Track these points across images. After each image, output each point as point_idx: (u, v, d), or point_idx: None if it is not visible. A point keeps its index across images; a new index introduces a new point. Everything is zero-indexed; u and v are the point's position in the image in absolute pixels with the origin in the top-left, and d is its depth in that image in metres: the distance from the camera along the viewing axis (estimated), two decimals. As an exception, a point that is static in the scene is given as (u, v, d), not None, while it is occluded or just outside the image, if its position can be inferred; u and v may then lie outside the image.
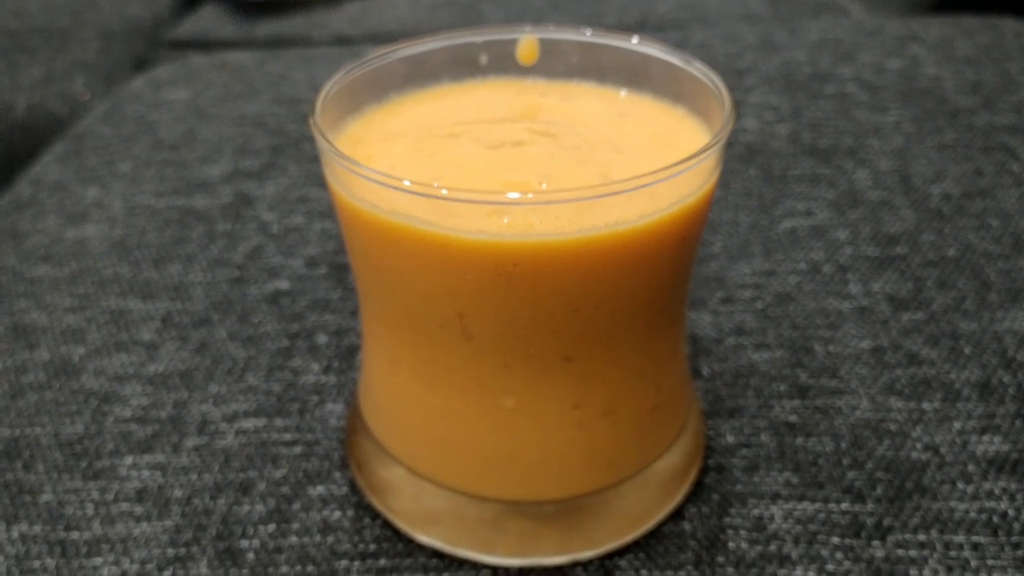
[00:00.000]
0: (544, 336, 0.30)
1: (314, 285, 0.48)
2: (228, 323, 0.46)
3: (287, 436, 0.39)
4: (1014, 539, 0.34)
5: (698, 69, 0.33)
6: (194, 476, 0.38)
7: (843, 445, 0.38)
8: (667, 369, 0.34)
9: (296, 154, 0.60)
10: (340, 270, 0.49)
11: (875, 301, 0.45)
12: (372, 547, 0.35)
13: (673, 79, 0.35)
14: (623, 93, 0.36)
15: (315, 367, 0.43)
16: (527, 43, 0.37)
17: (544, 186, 0.30)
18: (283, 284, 0.48)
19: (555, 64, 0.37)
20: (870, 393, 0.40)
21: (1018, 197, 0.51)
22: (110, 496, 0.37)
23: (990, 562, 0.33)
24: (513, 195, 0.27)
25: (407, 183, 0.27)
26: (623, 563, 0.34)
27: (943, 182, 0.53)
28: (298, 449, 0.39)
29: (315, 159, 0.59)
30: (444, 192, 0.27)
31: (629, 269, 0.29)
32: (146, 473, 0.38)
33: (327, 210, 0.54)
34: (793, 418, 0.39)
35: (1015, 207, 0.51)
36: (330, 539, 0.35)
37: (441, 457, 0.33)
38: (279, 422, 0.40)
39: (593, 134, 0.34)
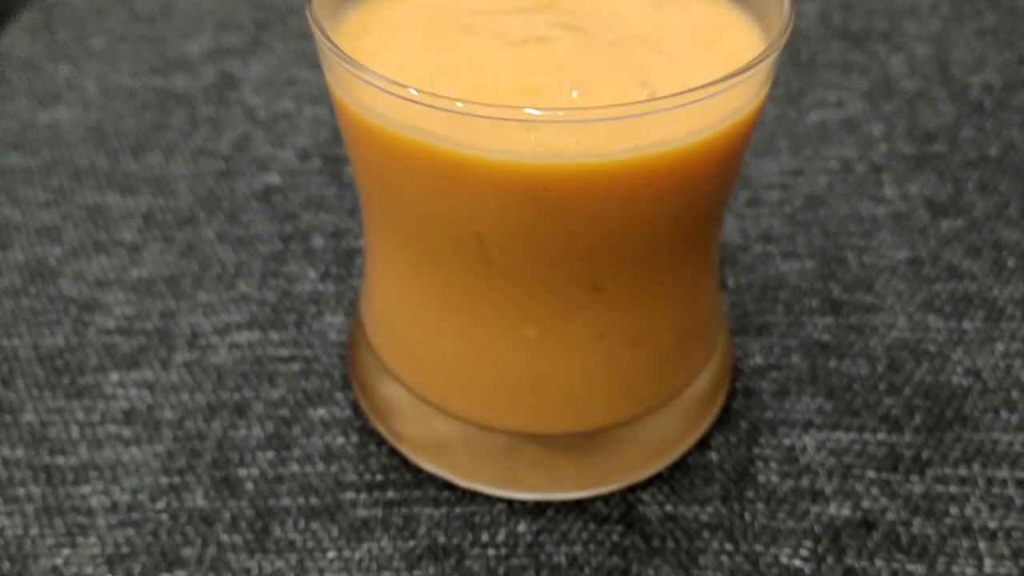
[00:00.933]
0: (572, 263, 0.27)
1: (307, 180, 0.44)
2: (215, 222, 0.42)
3: (284, 352, 0.37)
4: (1060, 474, 0.32)
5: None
6: (185, 396, 0.35)
7: (879, 368, 0.35)
8: (700, 293, 0.31)
9: (282, 30, 0.55)
10: (334, 163, 0.45)
11: (912, 206, 0.42)
12: (379, 477, 0.32)
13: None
14: (659, -21, 0.32)
15: (311, 273, 0.40)
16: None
17: (575, 94, 0.26)
18: (273, 178, 0.45)
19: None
20: (907, 310, 0.37)
21: (1066, 90, 0.48)
22: (96, 417, 0.34)
23: (1035, 499, 0.31)
24: (543, 111, 0.23)
25: (418, 93, 0.24)
26: (646, 496, 0.32)
27: (983, 71, 0.50)
28: (296, 366, 0.36)
29: (303, 35, 0.55)
30: (460, 105, 0.23)
31: (671, 191, 0.26)
32: (133, 392, 0.35)
33: (318, 94, 0.50)
34: (826, 337, 0.36)
35: (1062, 101, 0.47)
36: (333, 468, 0.33)
37: (452, 385, 0.31)
38: (275, 336, 0.37)
39: (626, 29, 0.30)
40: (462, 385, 0.31)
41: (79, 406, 0.35)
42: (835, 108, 0.48)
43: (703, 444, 0.33)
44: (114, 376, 0.36)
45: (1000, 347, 0.36)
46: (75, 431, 0.34)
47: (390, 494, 0.32)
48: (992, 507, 0.31)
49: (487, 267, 0.27)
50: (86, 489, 0.32)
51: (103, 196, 0.44)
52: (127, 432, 0.34)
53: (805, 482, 0.32)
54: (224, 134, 0.47)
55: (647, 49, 0.28)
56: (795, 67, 0.51)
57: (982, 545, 0.30)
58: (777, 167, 0.44)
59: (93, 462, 0.33)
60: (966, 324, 0.37)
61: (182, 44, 0.54)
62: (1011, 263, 0.39)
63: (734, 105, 0.25)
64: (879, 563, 0.30)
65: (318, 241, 0.41)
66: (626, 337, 0.29)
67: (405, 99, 0.24)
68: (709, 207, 0.28)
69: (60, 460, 0.33)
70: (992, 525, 0.31)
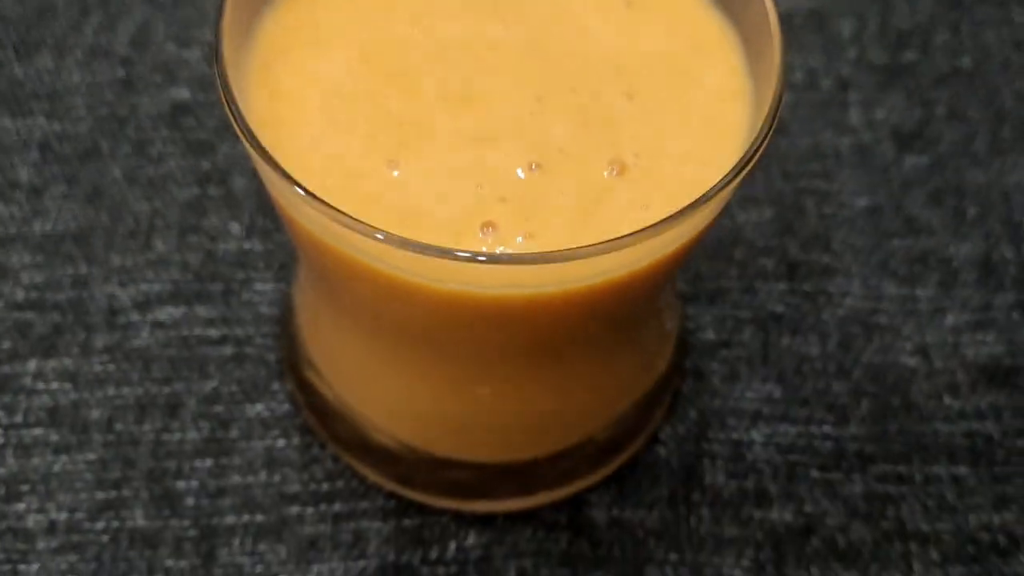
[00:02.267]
0: (525, 351, 0.25)
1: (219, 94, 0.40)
2: (121, 155, 0.38)
3: (212, 332, 0.34)
4: (995, 470, 0.33)
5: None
6: (111, 390, 0.33)
7: (830, 346, 0.35)
8: (662, 322, 0.29)
9: None
10: (251, 67, 0.41)
11: (878, 136, 0.40)
12: (324, 487, 0.32)
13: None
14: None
15: (235, 228, 0.37)
16: None
17: (531, 169, 0.23)
18: (182, 92, 0.40)
19: None
20: (863, 273, 0.36)
21: (1050, -20, 0.44)
22: (19, 417, 0.33)
23: (967, 500, 0.32)
24: (490, 255, 0.20)
25: (337, 215, 0.20)
26: (594, 498, 0.32)
27: (966, -55, 0.45)
28: (228, 350, 0.34)
29: None
30: (380, 237, 0.20)
31: (630, 299, 0.24)
32: (55, 385, 0.33)
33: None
34: (779, 308, 0.36)
35: (1045, -6, 0.44)
36: (276, 477, 0.32)
37: (398, 418, 0.30)
38: (201, 311, 0.35)
39: (592, 46, 0.26)
40: (408, 420, 0.30)
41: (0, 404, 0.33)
42: (804, -5, 0.44)
43: (652, 437, 0.33)
44: (32, 364, 0.34)
45: (950, 319, 0.35)
46: (-1, 435, 0.32)
47: (336, 506, 0.31)
48: (926, 508, 0.32)
49: (438, 350, 0.25)
50: (20, 506, 0.31)
51: (-11, 115, 0.39)
52: (54, 436, 0.32)
53: (750, 483, 0.32)
54: (120, 23, 0.42)
55: (616, 90, 0.25)
56: (763, -65, 0.45)
57: (913, 549, 0.31)
58: (738, 75, 0.41)
59: (23, 473, 0.32)
60: (919, 291, 0.36)
61: None
62: (971, 212, 0.38)
63: (707, 212, 0.23)
64: (815, 572, 0.31)
65: (239, 182, 0.38)
66: (584, 384, 0.28)
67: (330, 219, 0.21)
68: (671, 285, 0.26)
69: (-13, 471, 0.32)
70: (925, 528, 0.32)
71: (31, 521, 0.31)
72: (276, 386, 0.33)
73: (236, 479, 0.32)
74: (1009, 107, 0.40)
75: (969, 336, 0.35)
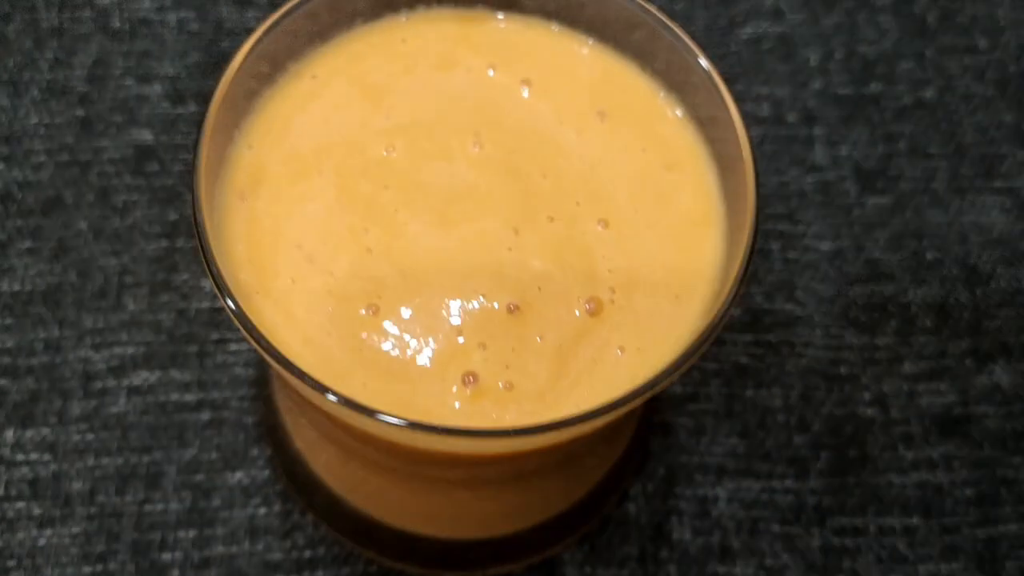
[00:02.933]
0: (496, 473, 0.26)
1: (184, 138, 0.39)
2: (85, 206, 0.38)
3: (189, 397, 0.35)
4: (944, 520, 0.34)
5: (722, 88, 0.25)
6: (91, 460, 0.34)
7: (792, 398, 0.36)
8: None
9: None
10: (214, 104, 0.40)
11: (841, 174, 0.40)
12: (307, 553, 0.33)
13: (673, 66, 0.27)
14: (601, 64, 0.27)
15: (207, 287, 0.37)
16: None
17: (510, 311, 0.24)
18: (145, 134, 0.39)
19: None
20: (825, 323, 0.37)
21: (1012, 4, 0.44)
22: (1, 490, 0.33)
23: (919, 550, 0.34)
24: (461, 430, 0.21)
25: (309, 383, 0.21)
26: (567, 557, 0.33)
27: (933, -36, 0.45)
28: (205, 415, 0.34)
29: None
30: (333, 399, 0.21)
31: (611, 424, 0.24)
32: (35, 456, 0.34)
33: (182, -16, 0.42)
34: (744, 360, 0.37)
35: (1007, 17, 0.44)
36: (260, 546, 0.33)
37: (371, 502, 0.31)
38: (176, 375, 0.35)
39: (567, 165, 0.26)
40: (381, 504, 0.30)
41: (-22, 477, 0.33)
42: (771, 19, 0.43)
43: (623, 495, 0.34)
44: (10, 435, 0.34)
45: (907, 367, 0.37)
46: (-20, 510, 0.33)
47: (319, 574, 0.33)
48: (879, 559, 0.34)
49: (406, 465, 0.26)
50: (7, 583, 0.32)
51: (-55, 163, 0.38)
52: (36, 509, 0.33)
53: (715, 538, 0.34)
54: (76, 57, 0.40)
55: (592, 216, 0.25)
56: (731, -49, 0.45)
57: (867, 600, 0.33)
58: (705, 107, 0.41)
59: (9, 548, 0.32)
60: (879, 340, 0.37)
61: None
62: (930, 256, 0.39)
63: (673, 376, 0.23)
64: (775, 625, 0.33)
65: (209, 234, 0.37)
66: (561, 475, 0.29)
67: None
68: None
69: (-29, 547, 0.32)
70: (877, 580, 0.34)
71: (20, 598, 0.32)
72: (255, 451, 0.34)
73: (220, 549, 0.33)
74: (969, 141, 0.41)
75: (924, 385, 0.37)
